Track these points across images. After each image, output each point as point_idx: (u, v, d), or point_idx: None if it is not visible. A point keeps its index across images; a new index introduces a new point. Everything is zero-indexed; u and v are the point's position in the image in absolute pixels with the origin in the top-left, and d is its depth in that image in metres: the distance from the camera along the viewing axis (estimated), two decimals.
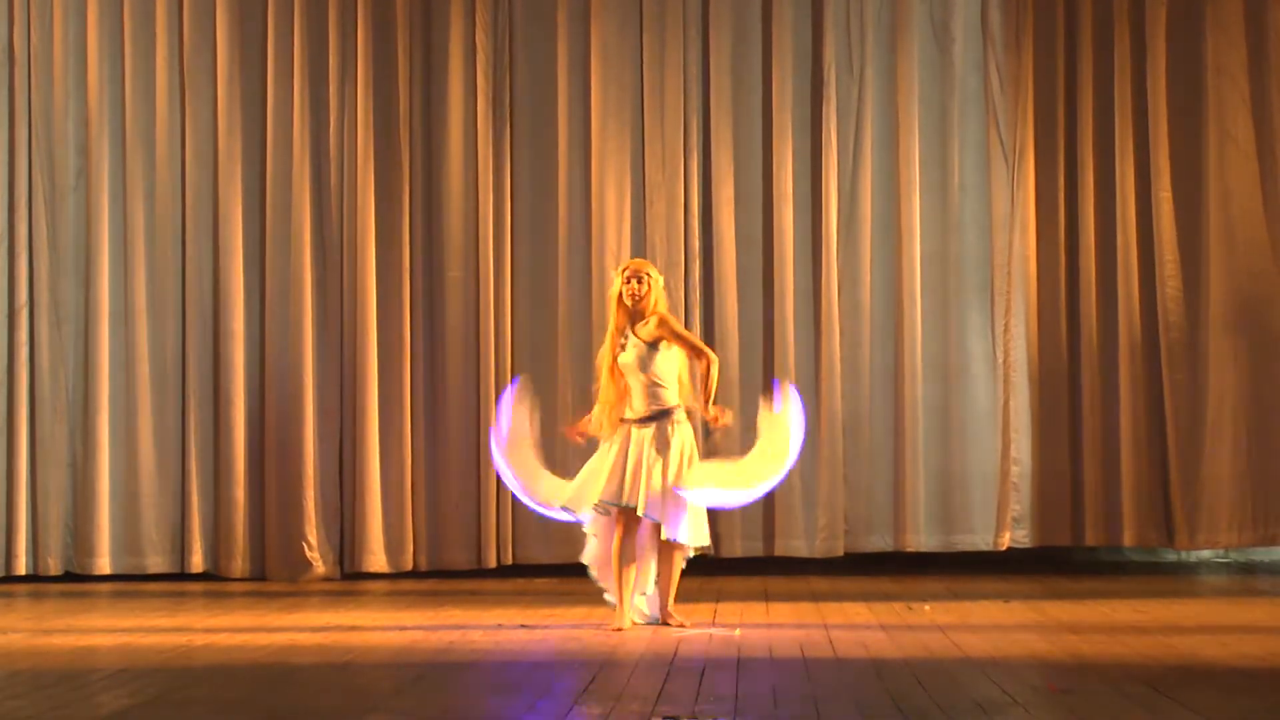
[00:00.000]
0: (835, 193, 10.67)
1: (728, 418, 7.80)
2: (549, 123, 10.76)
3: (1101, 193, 10.67)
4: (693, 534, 7.78)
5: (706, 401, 7.78)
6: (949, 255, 10.76)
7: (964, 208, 10.78)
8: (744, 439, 10.50)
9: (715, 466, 7.92)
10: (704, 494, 7.79)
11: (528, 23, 10.81)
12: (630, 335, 7.82)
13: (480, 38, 10.70)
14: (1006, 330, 10.65)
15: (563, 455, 8.80)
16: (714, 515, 8.74)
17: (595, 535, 7.89)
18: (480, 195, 10.64)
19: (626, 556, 7.77)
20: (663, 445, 7.71)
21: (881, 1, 10.79)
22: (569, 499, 7.84)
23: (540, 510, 8.05)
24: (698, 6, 10.77)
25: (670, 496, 7.69)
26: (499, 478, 10.45)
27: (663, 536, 7.73)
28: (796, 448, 7.78)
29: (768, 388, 8.18)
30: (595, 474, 7.79)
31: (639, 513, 7.66)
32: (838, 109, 10.73)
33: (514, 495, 8.29)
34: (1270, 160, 10.56)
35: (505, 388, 8.26)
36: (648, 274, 7.86)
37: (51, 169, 10.66)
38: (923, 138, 10.73)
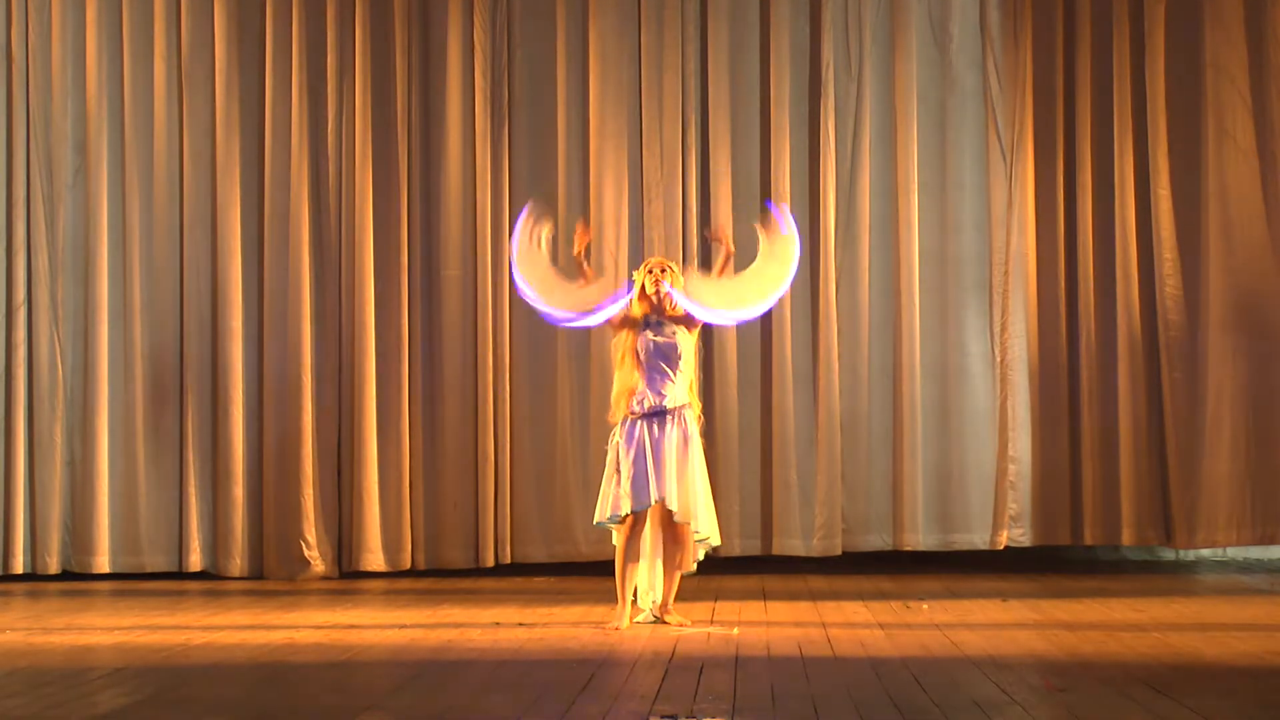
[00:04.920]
0: (833, 191, 10.67)
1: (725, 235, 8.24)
2: (547, 122, 10.76)
3: (1100, 191, 10.67)
4: (711, 529, 7.83)
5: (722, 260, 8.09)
6: (947, 254, 10.76)
7: (962, 206, 10.78)
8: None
9: (719, 284, 8.04)
10: (715, 311, 8.01)
11: (526, 22, 10.81)
12: (663, 322, 7.87)
13: (479, 36, 10.70)
14: (1005, 329, 10.64)
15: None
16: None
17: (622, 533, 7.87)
18: (478, 194, 10.64)
19: (631, 555, 7.78)
20: (684, 441, 7.77)
21: (880, 0, 10.79)
22: (610, 506, 7.79)
23: (555, 318, 8.06)
24: (696, 6, 10.77)
25: (695, 493, 7.72)
26: (496, 469, 10.50)
27: (692, 528, 7.75)
28: (795, 259, 8.07)
29: (766, 220, 8.25)
30: (625, 479, 7.75)
31: (671, 507, 7.68)
32: (836, 108, 10.73)
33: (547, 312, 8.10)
34: (1269, 158, 10.56)
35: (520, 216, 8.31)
36: (671, 268, 8.00)
37: (50, 167, 10.66)
38: (921, 136, 10.73)
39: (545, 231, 8.01)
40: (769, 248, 8.03)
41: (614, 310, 7.96)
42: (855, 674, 6.38)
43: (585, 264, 8.05)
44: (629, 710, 5.55)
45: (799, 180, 10.71)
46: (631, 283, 8.04)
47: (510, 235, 10.50)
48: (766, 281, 8.01)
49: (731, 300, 8.02)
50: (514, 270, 8.04)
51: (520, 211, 8.06)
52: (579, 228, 8.14)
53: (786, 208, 8.50)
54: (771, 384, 10.60)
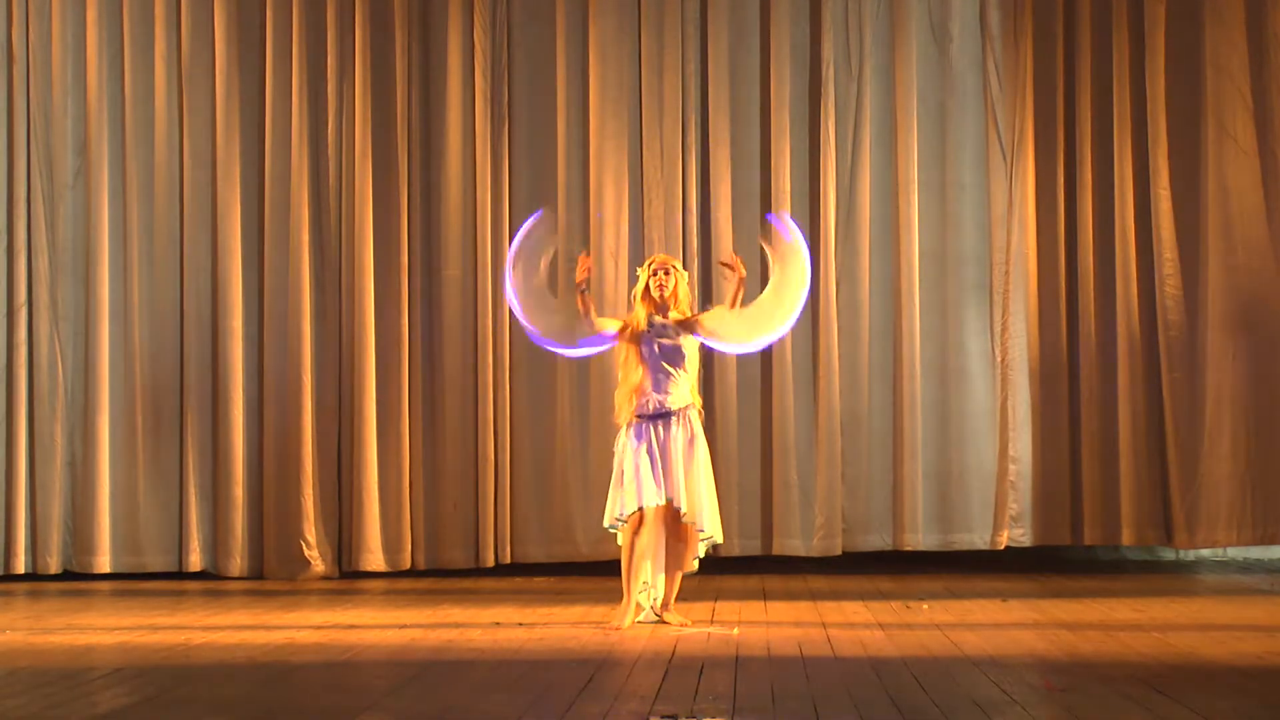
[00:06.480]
0: (833, 191, 10.67)
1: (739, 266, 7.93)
2: (547, 122, 10.76)
3: (1100, 191, 10.67)
4: (714, 527, 7.83)
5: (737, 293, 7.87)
6: (947, 253, 10.76)
7: (962, 206, 10.78)
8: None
9: (738, 314, 7.91)
10: (739, 345, 8.05)
11: (526, 22, 10.82)
12: (666, 325, 7.88)
13: (479, 37, 10.70)
14: (1005, 328, 10.65)
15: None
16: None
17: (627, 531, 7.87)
18: (478, 194, 10.65)
19: (639, 553, 7.77)
20: (690, 441, 7.79)
21: (879, 0, 10.79)
22: (618, 508, 7.80)
23: (537, 338, 7.99)
24: (696, 6, 10.77)
25: (700, 493, 7.74)
26: (496, 469, 10.51)
27: (696, 526, 7.75)
28: (807, 268, 7.88)
29: (765, 231, 8.15)
30: (630, 479, 7.76)
31: (678, 505, 7.69)
32: (836, 107, 10.73)
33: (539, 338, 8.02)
34: (1269, 158, 10.55)
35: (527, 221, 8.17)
36: (674, 267, 8.00)
37: (50, 168, 10.67)
38: (921, 136, 10.73)
39: (546, 255, 7.97)
40: (779, 264, 7.90)
41: (595, 348, 8.03)
42: (855, 674, 6.38)
43: (584, 295, 7.92)
44: (629, 710, 5.54)
45: (799, 180, 10.71)
46: (615, 335, 7.98)
47: (510, 239, 10.59)
48: (784, 299, 7.86)
49: (753, 329, 7.91)
50: (507, 278, 7.95)
51: (525, 218, 7.99)
52: (581, 258, 7.97)
53: (787, 215, 8.36)
54: (771, 384, 10.61)
